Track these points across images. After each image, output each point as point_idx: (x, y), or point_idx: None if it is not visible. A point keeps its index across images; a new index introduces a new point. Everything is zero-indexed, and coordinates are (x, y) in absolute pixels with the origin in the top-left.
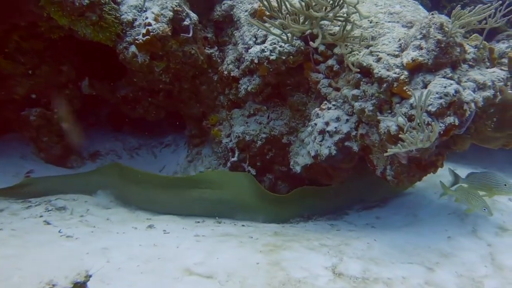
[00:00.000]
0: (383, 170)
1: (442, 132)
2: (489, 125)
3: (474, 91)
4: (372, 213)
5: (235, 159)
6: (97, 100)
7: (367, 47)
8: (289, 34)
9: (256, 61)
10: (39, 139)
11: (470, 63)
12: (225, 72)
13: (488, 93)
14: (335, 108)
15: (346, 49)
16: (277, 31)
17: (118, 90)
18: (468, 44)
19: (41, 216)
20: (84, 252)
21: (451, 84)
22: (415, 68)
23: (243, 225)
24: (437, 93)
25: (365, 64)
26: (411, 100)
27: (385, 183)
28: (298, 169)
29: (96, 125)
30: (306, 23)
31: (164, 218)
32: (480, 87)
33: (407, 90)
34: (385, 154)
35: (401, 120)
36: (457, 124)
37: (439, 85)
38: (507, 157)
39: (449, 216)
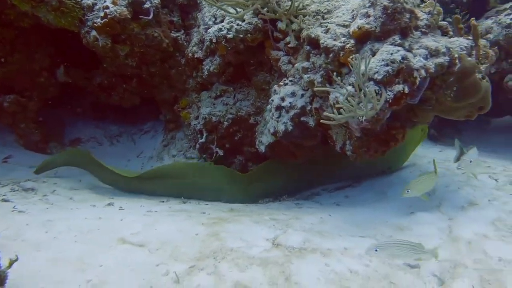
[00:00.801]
0: (342, 145)
1: (390, 101)
2: (449, 94)
3: (426, 58)
4: (343, 193)
5: (203, 140)
6: (80, 89)
7: (323, 19)
8: (240, 10)
9: (214, 40)
10: (16, 126)
11: (423, 30)
12: (190, 55)
13: (442, 59)
14: (292, 84)
15: (289, 24)
16: (232, 10)
17: (94, 77)
18: (421, 10)
19: (4, 195)
20: (24, 223)
21: (398, 50)
22: (362, 36)
23: (206, 204)
24: (383, 60)
25: (313, 35)
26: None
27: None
28: (262, 148)
29: (81, 114)
30: None
31: (127, 198)
32: (433, 54)
33: (352, 58)
34: (321, 121)
35: (344, 91)
36: (407, 92)
37: (386, 52)
38: (503, 139)
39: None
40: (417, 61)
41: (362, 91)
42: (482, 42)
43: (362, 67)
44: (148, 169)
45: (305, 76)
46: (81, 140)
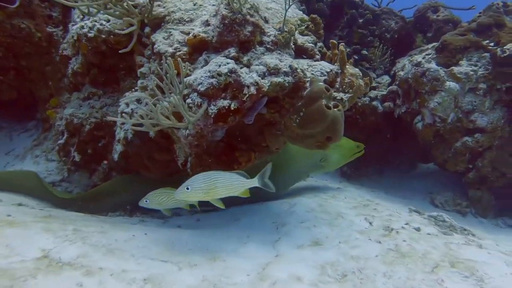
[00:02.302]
0: (183, 161)
1: (214, 116)
2: (295, 120)
3: (263, 76)
4: (203, 217)
5: (62, 141)
6: None
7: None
8: (92, 10)
9: (75, 37)
10: None
11: (268, 46)
12: (61, 51)
13: (281, 79)
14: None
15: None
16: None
17: None
18: (272, 26)
19: None
20: None
21: (228, 63)
22: (198, 45)
23: (40, 209)
24: (209, 71)
25: (153, 40)
26: (187, 79)
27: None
28: (115, 157)
29: None
30: None
31: None
32: (272, 72)
33: (183, 67)
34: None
35: (173, 100)
36: (233, 108)
37: (215, 63)
38: (422, 185)
39: (271, 225)
40: (248, 77)
41: (185, 101)
42: (352, 70)
43: (189, 77)
44: None
45: (139, 82)
46: None
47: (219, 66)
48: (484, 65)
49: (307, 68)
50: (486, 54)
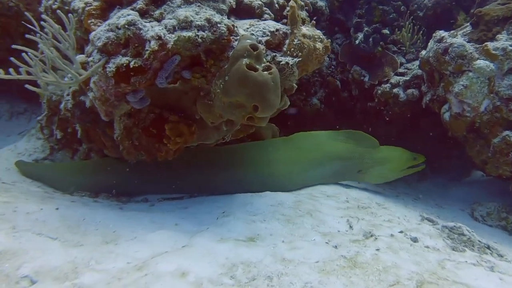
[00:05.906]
0: (118, 135)
1: (112, 75)
2: (219, 85)
3: (172, 30)
4: (160, 203)
5: (42, 119)
6: None
7: None
8: None
9: (43, 10)
10: None
11: None
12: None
13: (191, 33)
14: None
15: None
16: None
17: None
18: None
19: None
20: None
21: (129, 14)
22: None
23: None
24: (109, 24)
25: None
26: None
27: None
28: (78, 133)
29: (7, 92)
30: None
31: None
32: (182, 25)
33: (92, 23)
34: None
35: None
36: (132, 66)
37: (116, 16)
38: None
39: (214, 215)
40: (150, 31)
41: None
42: (308, 32)
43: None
44: None
45: (61, 45)
46: None
47: (119, 18)
48: None
49: (248, 28)
50: None
